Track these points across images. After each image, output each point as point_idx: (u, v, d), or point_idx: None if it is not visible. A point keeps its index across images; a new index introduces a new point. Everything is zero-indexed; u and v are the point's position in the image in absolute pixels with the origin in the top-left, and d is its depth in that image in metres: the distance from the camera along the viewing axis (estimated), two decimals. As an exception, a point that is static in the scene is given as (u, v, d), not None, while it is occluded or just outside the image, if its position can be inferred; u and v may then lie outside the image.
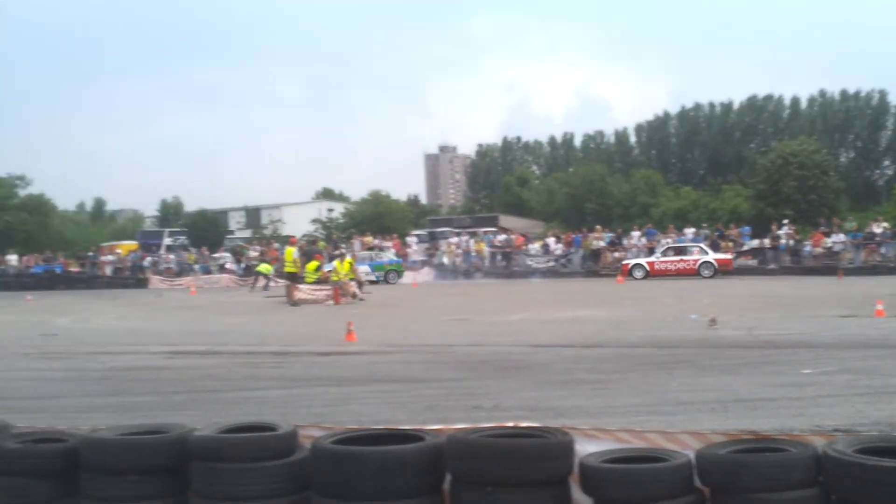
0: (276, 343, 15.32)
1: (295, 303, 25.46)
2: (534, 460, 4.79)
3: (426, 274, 40.50)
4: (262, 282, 34.92)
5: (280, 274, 32.76)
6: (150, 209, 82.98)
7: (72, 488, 5.62)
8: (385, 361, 12.97)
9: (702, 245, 36.97)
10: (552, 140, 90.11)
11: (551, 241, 43.53)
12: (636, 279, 34.38)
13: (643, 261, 35.99)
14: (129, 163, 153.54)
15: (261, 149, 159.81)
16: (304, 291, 26.16)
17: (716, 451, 4.51)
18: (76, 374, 12.39)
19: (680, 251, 36.08)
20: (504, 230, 50.31)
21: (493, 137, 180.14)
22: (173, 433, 5.70)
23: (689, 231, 40.90)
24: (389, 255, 40.70)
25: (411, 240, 46.74)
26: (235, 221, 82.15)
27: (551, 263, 41.01)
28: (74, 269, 43.98)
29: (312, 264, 27.96)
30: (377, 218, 62.76)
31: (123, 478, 5.43)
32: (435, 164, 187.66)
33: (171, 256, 45.91)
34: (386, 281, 37.55)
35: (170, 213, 73.29)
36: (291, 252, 27.53)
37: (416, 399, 9.57)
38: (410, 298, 28.13)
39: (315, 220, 66.04)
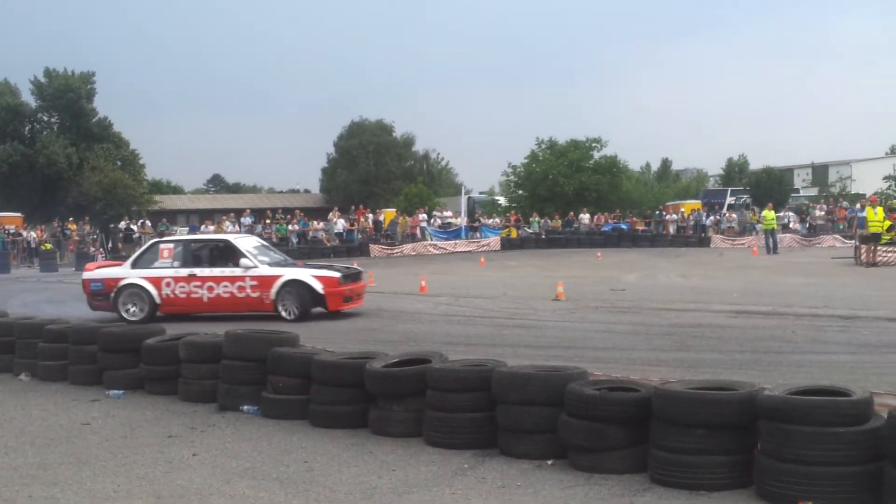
0: (844, 306, 14.57)
1: (873, 264, 24.03)
2: None
3: None
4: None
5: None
6: (715, 168, 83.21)
7: (642, 437, 5.97)
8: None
9: None
10: None
11: None
12: None
13: None
14: (695, 122, 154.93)
15: (830, 102, 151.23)
16: (876, 253, 24.56)
17: None
18: (643, 328, 12.98)
19: None
20: None
21: None
22: (742, 391, 5.78)
23: None
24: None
25: None
26: (801, 179, 79.34)
27: None
28: (640, 227, 45.78)
29: (886, 223, 26.08)
30: (965, 173, 56.34)
31: (691, 430, 5.63)
32: None
33: (734, 215, 45.74)
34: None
35: (734, 171, 72.82)
36: (881, 212, 26.17)
37: None
38: None
39: (888, 177, 61.16)
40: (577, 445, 6.12)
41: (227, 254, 15.66)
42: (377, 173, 68.50)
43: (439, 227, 45.26)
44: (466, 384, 6.84)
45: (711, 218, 45.70)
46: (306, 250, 39.85)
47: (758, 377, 7.93)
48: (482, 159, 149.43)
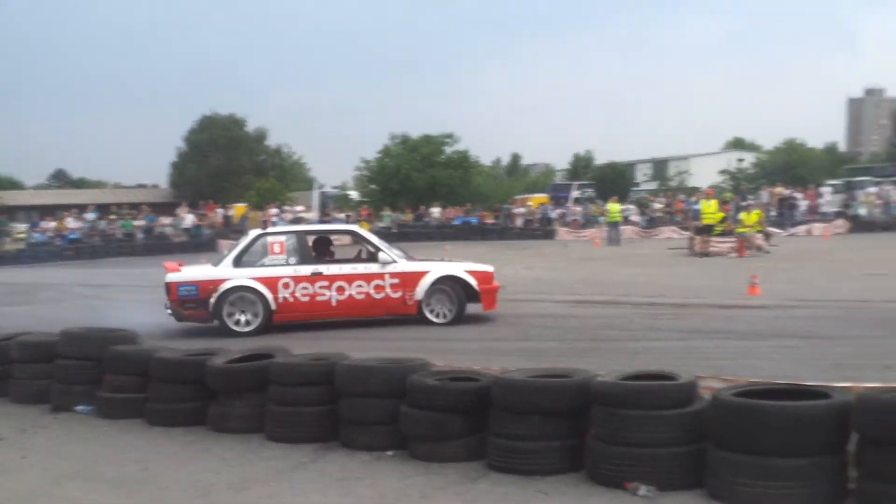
0: (677, 295, 15.18)
1: (705, 254, 25.15)
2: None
3: (839, 226, 37.97)
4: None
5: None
6: (563, 163, 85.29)
7: (481, 425, 6.08)
8: (790, 316, 12.48)
9: None
10: None
11: None
12: None
13: None
14: (545, 118, 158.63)
15: (672, 99, 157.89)
16: (709, 244, 25.75)
17: None
18: (487, 318, 13.15)
19: None
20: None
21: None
22: (577, 378, 5.95)
23: None
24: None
25: (825, 190, 43.96)
26: (642, 174, 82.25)
27: None
28: (489, 220, 46.35)
29: (719, 215, 27.38)
30: (790, 168, 59.72)
31: (529, 417, 5.77)
32: (859, 108, 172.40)
33: (578, 208, 46.92)
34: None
35: (580, 166, 74.81)
36: (715, 204, 27.40)
37: (821, 356, 9.16)
38: (821, 251, 26.53)
39: (723, 171, 64.25)
40: (418, 435, 6.17)
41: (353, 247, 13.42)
42: (228, 167, 67.24)
43: (290, 221, 44.73)
44: (309, 378, 6.81)
45: (557, 211, 46.73)
46: (152, 246, 38.88)
47: (596, 364, 8.13)
48: (335, 154, 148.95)
